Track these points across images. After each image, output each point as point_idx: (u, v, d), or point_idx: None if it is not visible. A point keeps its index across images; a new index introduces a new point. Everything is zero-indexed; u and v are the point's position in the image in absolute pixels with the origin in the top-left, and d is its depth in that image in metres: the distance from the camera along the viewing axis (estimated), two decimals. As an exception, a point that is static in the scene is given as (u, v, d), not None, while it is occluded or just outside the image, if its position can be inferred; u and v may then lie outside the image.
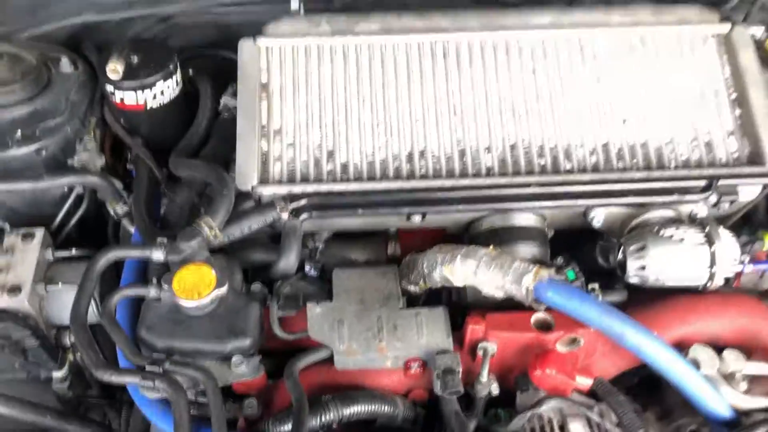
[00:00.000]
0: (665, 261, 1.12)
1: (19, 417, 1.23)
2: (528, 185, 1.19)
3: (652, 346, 1.01)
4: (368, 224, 1.24)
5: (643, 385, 1.20)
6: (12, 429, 1.25)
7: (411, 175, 1.21)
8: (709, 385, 1.03)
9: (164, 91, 1.33)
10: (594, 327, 1.03)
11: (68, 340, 1.26)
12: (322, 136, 1.24)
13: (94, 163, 1.29)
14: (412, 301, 1.17)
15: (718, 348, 1.12)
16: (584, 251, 1.26)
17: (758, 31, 1.48)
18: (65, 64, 1.38)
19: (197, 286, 1.04)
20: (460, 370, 1.03)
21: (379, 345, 1.05)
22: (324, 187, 1.18)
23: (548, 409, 1.01)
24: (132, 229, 1.29)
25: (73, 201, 1.31)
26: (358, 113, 1.26)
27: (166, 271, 1.08)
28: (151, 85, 1.31)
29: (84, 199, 1.32)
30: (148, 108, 1.33)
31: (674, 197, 1.19)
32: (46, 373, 1.25)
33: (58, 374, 1.26)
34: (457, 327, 1.11)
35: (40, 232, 1.22)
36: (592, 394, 1.07)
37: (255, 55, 1.29)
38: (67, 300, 1.19)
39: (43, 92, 1.32)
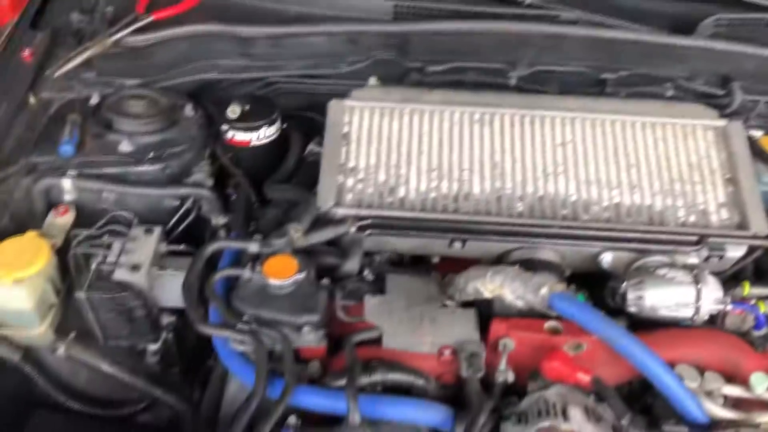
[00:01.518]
0: (658, 293, 1.36)
1: (119, 376, 1.51)
2: (551, 226, 1.47)
3: (641, 352, 1.24)
4: (417, 248, 1.52)
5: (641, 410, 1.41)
6: (111, 387, 1.53)
7: (455, 211, 1.50)
8: (686, 390, 1.25)
9: (266, 134, 1.68)
10: (595, 333, 1.27)
11: (165, 320, 1.54)
12: (387, 175, 1.55)
13: (205, 183, 1.63)
14: (448, 311, 1.43)
15: (702, 372, 1.34)
16: (594, 295, 1.50)
17: (758, 133, 1.79)
18: (189, 109, 1.74)
19: (283, 270, 1.33)
20: (484, 355, 1.27)
21: (419, 331, 1.31)
22: (385, 213, 1.48)
23: (553, 393, 1.24)
24: (225, 239, 1.60)
25: (182, 213, 1.64)
26: (417, 161, 1.57)
27: (257, 260, 1.38)
28: (257, 128, 1.66)
29: (191, 212, 1.65)
30: (252, 145, 1.68)
31: (671, 247, 1.45)
32: (143, 345, 1.53)
33: (152, 347, 1.53)
34: (483, 334, 1.36)
35: (158, 229, 1.54)
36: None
37: (340, 112, 1.64)
38: (171, 285, 1.50)
39: (171, 127, 1.68)
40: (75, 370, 1.55)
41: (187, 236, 1.65)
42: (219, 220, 1.61)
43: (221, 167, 1.73)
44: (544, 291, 1.29)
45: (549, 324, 1.32)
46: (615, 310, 1.44)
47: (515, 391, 1.33)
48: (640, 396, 1.39)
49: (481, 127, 1.63)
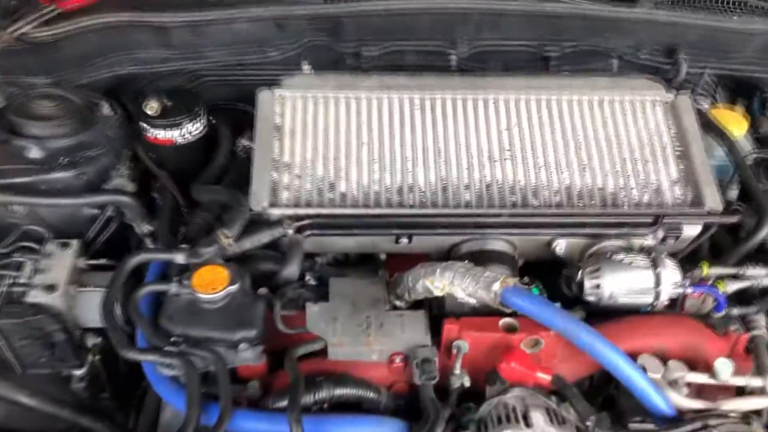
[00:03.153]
0: (617, 280, 1.30)
1: (41, 408, 1.37)
2: (500, 215, 1.39)
3: (602, 347, 1.17)
4: (362, 246, 1.42)
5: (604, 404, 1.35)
6: (32, 419, 1.39)
7: (401, 205, 1.40)
8: (651, 383, 1.19)
9: (191, 130, 1.55)
10: (553, 328, 1.20)
11: (90, 342, 1.41)
12: (325, 170, 1.44)
13: (125, 188, 1.49)
14: (398, 313, 1.33)
15: (664, 361, 1.28)
16: (550, 284, 1.43)
17: (705, 102, 1.74)
18: (105, 108, 1.59)
19: (213, 283, 1.21)
20: (437, 360, 1.19)
21: (367, 339, 1.22)
22: (325, 211, 1.38)
23: (512, 397, 1.16)
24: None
25: (103, 222, 1.50)
26: (356, 152, 1.47)
27: (185, 272, 1.26)
28: (180, 125, 1.53)
29: (113, 221, 1.51)
30: (177, 144, 1.54)
31: (626, 230, 1.38)
32: (67, 370, 1.40)
33: (78, 373, 1.40)
34: (435, 334, 1.27)
35: (75, 243, 1.40)
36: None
37: (271, 102, 1.52)
38: (94, 304, 1.36)
39: (86, 129, 1.53)
40: (-9, 404, 1.40)
41: (111, 247, 1.51)
42: (144, 228, 1.47)
43: (145, 169, 1.59)
44: (496, 287, 1.21)
45: (504, 322, 1.24)
46: (572, 298, 1.38)
47: (472, 394, 1.25)
48: (603, 387, 1.34)
49: (423, 113, 1.53)
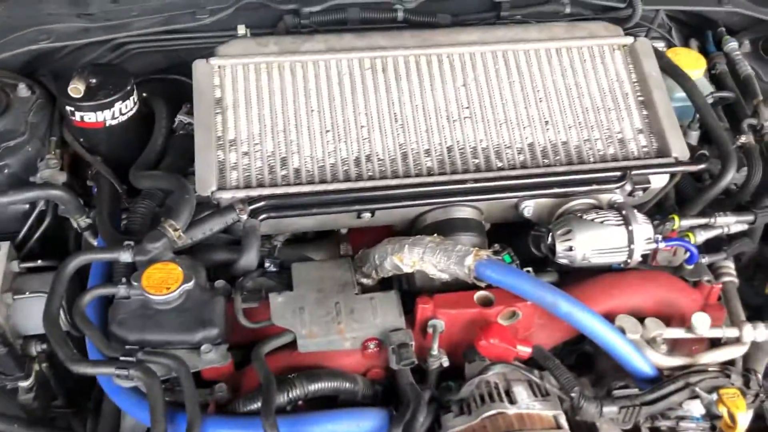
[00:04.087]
0: (589, 241, 1.25)
1: (-14, 428, 1.26)
2: (465, 182, 1.32)
3: (581, 313, 1.14)
4: (322, 224, 1.34)
5: (579, 360, 1.34)
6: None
7: (359, 177, 1.32)
8: (632, 346, 1.16)
9: (122, 110, 1.41)
10: (530, 299, 1.15)
11: (34, 349, 1.29)
12: (275, 144, 1.34)
13: (56, 180, 1.35)
14: (366, 292, 1.26)
15: (640, 318, 1.25)
16: (518, 244, 1.38)
17: (659, 44, 1.69)
18: (22, 89, 1.44)
19: (165, 282, 1.11)
20: (413, 344, 1.13)
21: (338, 327, 1.15)
22: (279, 191, 1.28)
23: (494, 374, 1.12)
24: (94, 242, 1.35)
25: (35, 217, 1.37)
26: (307, 123, 1.36)
27: (132, 272, 1.15)
28: (109, 105, 1.39)
29: (46, 215, 1.37)
30: (107, 126, 1.40)
31: (594, 187, 1.34)
32: (12, 383, 1.29)
33: (24, 384, 1.29)
34: (408, 311, 1.21)
35: (5, 245, 1.27)
36: (531, 362, 1.18)
37: (208, 74, 1.39)
38: (34, 310, 1.25)
39: (3, 115, 1.39)
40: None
41: (47, 245, 1.38)
42: (81, 221, 1.34)
43: (75, 153, 1.45)
44: (469, 261, 1.15)
45: (479, 295, 1.19)
46: (541, 257, 1.33)
47: (450, 368, 1.20)
48: (577, 344, 1.32)
49: (374, 75, 1.43)
